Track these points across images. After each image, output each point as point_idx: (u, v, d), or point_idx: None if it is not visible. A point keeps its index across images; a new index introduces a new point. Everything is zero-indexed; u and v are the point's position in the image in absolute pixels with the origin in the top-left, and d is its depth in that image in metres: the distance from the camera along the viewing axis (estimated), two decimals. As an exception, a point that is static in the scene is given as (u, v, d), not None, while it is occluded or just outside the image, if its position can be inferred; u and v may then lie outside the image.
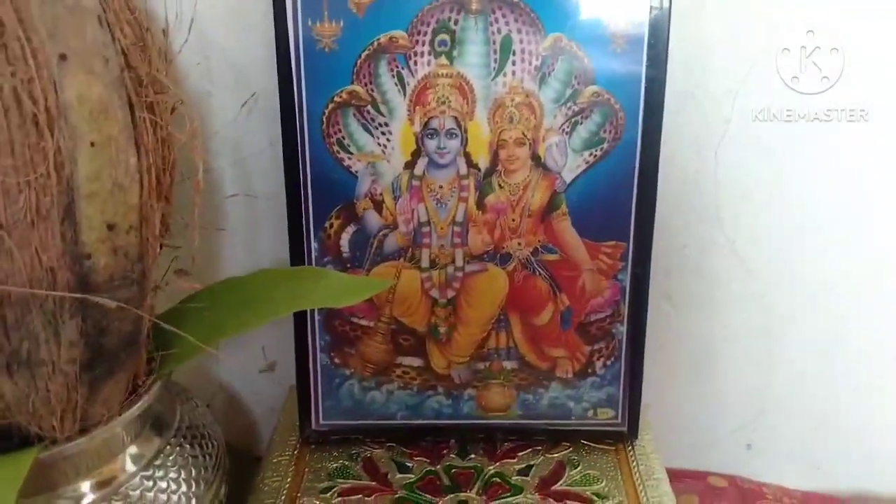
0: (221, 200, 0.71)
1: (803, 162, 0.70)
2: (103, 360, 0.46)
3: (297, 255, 0.63)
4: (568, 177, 0.62)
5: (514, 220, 0.63)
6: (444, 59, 0.59)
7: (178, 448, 0.54)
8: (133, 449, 0.51)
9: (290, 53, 0.58)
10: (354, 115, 0.60)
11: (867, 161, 0.70)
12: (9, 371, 0.42)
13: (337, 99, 0.60)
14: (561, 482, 0.65)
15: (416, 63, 0.59)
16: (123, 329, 0.46)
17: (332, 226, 0.62)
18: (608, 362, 0.66)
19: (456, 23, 0.58)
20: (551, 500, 0.63)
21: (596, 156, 0.61)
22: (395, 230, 0.63)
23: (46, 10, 0.38)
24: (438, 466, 0.67)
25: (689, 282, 0.76)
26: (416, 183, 0.62)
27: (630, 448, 0.68)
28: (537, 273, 0.64)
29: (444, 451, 0.68)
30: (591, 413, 0.68)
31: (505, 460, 0.67)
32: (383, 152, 0.61)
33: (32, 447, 0.45)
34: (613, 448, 0.69)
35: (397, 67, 0.59)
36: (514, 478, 0.65)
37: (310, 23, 0.58)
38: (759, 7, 0.66)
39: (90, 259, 0.42)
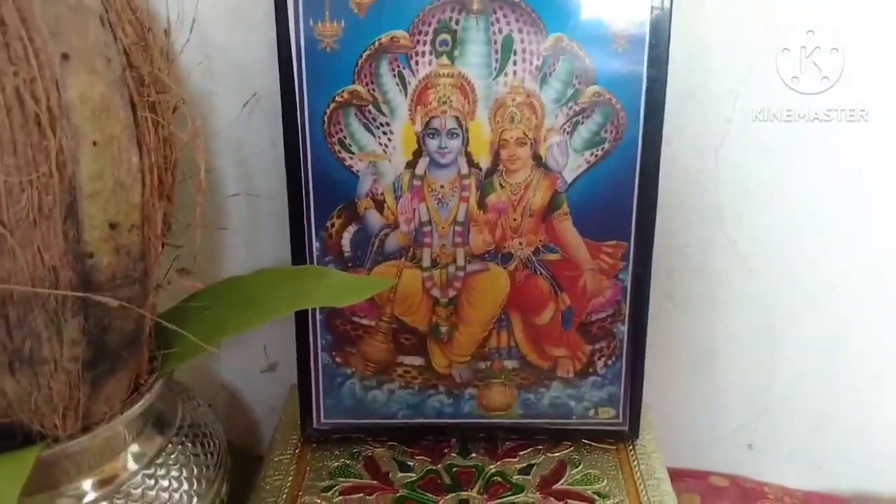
0: (223, 200, 0.71)
1: (803, 162, 0.70)
2: (105, 358, 0.46)
3: (299, 254, 0.63)
4: (569, 176, 0.62)
5: (515, 219, 0.63)
6: (445, 59, 0.59)
7: (179, 447, 0.54)
8: (135, 447, 0.51)
9: (291, 53, 0.58)
10: (356, 114, 0.60)
11: (867, 161, 0.70)
12: (11, 369, 0.42)
13: (338, 99, 0.60)
14: (562, 481, 0.65)
15: (417, 63, 0.59)
16: (125, 328, 0.47)
17: (333, 225, 0.63)
18: (609, 362, 0.66)
19: (457, 23, 0.58)
20: (552, 499, 0.63)
21: (597, 155, 0.61)
22: (397, 230, 0.63)
23: (49, 9, 0.38)
24: (439, 465, 0.67)
25: (690, 281, 0.76)
26: (417, 182, 0.62)
27: (631, 447, 0.69)
28: (538, 273, 0.64)
29: (446, 451, 0.68)
30: (592, 412, 0.68)
31: (506, 459, 0.67)
32: (384, 152, 0.61)
33: (35, 445, 0.45)
34: (614, 447, 0.69)
35: (398, 67, 0.59)
36: (515, 477, 0.65)
37: (311, 23, 0.58)
38: (759, 7, 0.66)
39: (92, 258, 0.42)
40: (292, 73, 0.59)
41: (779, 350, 0.78)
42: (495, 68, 0.59)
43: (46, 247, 0.40)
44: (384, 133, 0.61)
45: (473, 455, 0.68)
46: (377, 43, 0.59)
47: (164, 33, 0.53)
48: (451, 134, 0.61)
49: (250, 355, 0.79)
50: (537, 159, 0.61)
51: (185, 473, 0.53)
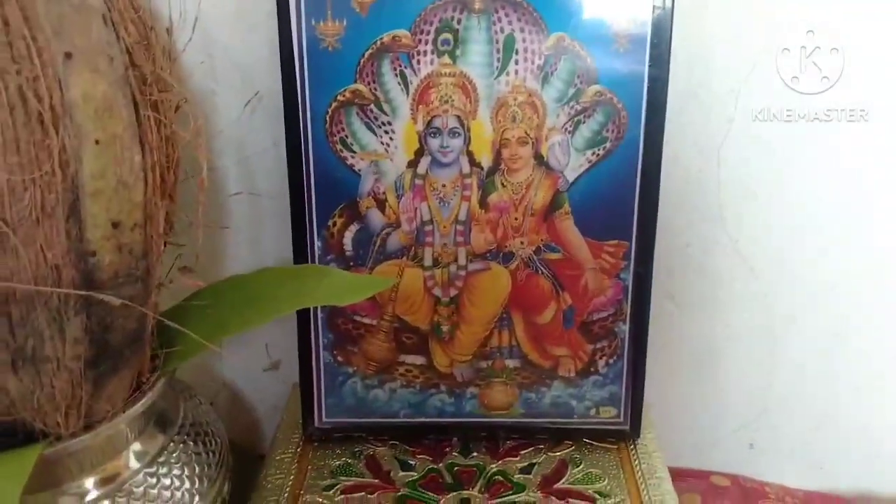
0: (225, 199, 0.71)
1: (804, 162, 0.70)
2: (108, 356, 0.46)
3: (301, 253, 0.63)
4: (570, 176, 0.62)
5: (516, 218, 0.63)
6: (447, 59, 0.59)
7: (181, 445, 0.54)
8: (137, 446, 0.52)
9: (293, 52, 0.58)
10: (357, 113, 0.60)
11: (867, 161, 0.70)
12: (14, 368, 0.43)
13: (340, 98, 0.60)
14: (563, 480, 0.65)
15: (419, 62, 0.59)
16: (128, 326, 0.47)
17: (335, 224, 0.63)
18: (610, 361, 0.66)
19: (459, 22, 0.58)
20: (553, 498, 0.63)
21: (598, 155, 0.61)
22: (398, 229, 0.63)
23: (52, 8, 0.38)
24: (441, 464, 0.67)
25: (691, 281, 0.76)
26: (418, 182, 0.62)
27: (632, 447, 0.69)
28: (540, 272, 0.64)
29: (447, 450, 0.68)
30: (593, 412, 0.68)
31: (507, 458, 0.67)
32: (386, 151, 0.61)
33: (37, 443, 0.45)
34: (616, 447, 0.69)
35: (400, 66, 0.59)
36: (516, 476, 0.65)
37: (313, 22, 0.58)
38: (760, 7, 0.66)
39: (95, 256, 0.42)
40: (294, 72, 0.59)
41: (780, 350, 0.78)
42: (497, 67, 0.59)
43: (49, 245, 0.40)
44: (386, 132, 0.61)
45: (475, 454, 0.68)
46: (379, 42, 0.59)
47: (167, 32, 0.53)
48: (453, 133, 0.61)
49: (252, 354, 0.79)
50: (539, 159, 0.61)
51: (186, 472, 0.53)
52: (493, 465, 0.67)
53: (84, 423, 0.47)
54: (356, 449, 0.68)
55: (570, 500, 0.63)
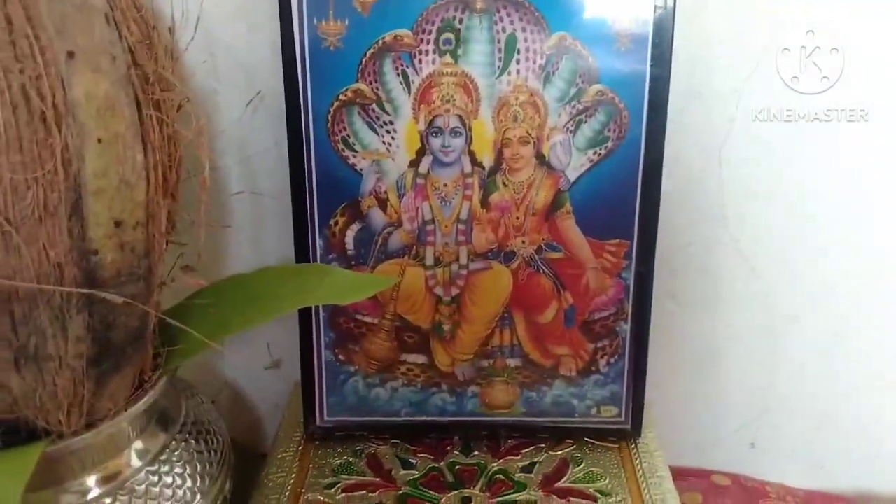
0: (227, 198, 0.72)
1: (804, 162, 0.70)
2: (110, 355, 0.46)
3: (303, 252, 0.63)
4: (572, 175, 0.62)
5: (518, 218, 0.63)
6: (448, 58, 0.59)
7: (183, 443, 0.55)
8: (139, 444, 0.52)
9: (295, 52, 0.58)
10: (359, 113, 0.60)
11: (867, 161, 0.70)
12: (16, 366, 0.43)
13: (342, 97, 0.60)
14: (564, 479, 0.65)
15: (420, 62, 0.59)
16: (130, 325, 0.47)
17: (336, 223, 0.63)
18: (612, 360, 0.66)
19: (461, 21, 0.58)
20: (554, 496, 0.63)
21: (600, 154, 0.61)
22: (400, 228, 0.63)
23: (54, 7, 0.38)
24: (442, 463, 0.67)
25: (693, 280, 0.76)
26: (420, 181, 0.62)
27: (633, 446, 0.69)
28: (541, 271, 0.64)
29: (448, 448, 0.69)
30: (594, 411, 0.68)
31: (508, 457, 0.67)
32: (388, 150, 0.61)
33: (39, 441, 0.45)
34: (617, 446, 0.69)
35: (402, 66, 0.59)
36: (517, 475, 0.65)
37: (315, 21, 0.58)
38: (762, 6, 0.66)
39: (97, 255, 0.42)
40: (296, 71, 0.59)
41: (781, 349, 0.78)
42: (499, 67, 0.59)
43: (51, 244, 0.40)
44: (388, 132, 0.61)
45: (476, 453, 0.68)
46: (381, 42, 0.59)
47: (169, 31, 0.53)
48: (455, 132, 0.61)
49: (254, 353, 0.79)
50: (540, 158, 0.61)
51: (188, 470, 0.53)
52: (495, 464, 0.67)
53: (86, 422, 0.47)
54: (357, 447, 0.68)
55: (572, 498, 0.63)
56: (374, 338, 0.66)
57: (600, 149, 0.61)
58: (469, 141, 0.61)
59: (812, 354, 0.78)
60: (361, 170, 0.62)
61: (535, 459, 0.67)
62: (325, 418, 0.68)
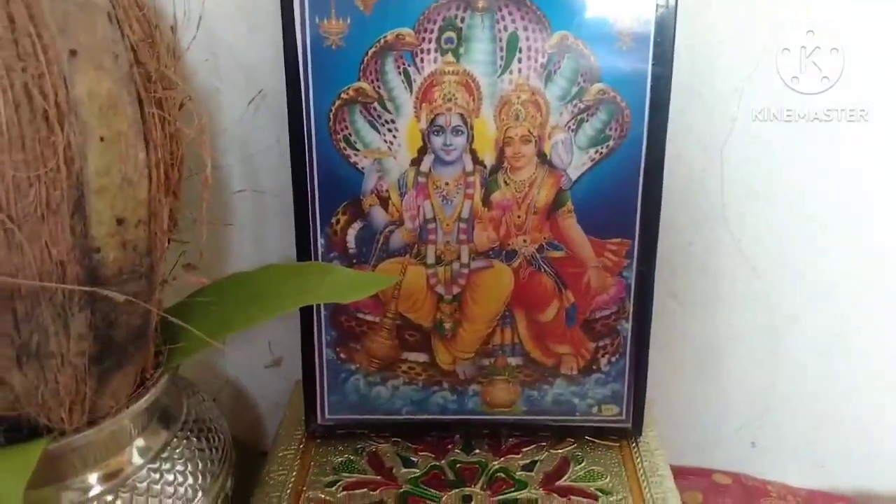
0: (229, 196, 0.72)
1: (804, 162, 0.70)
2: (112, 352, 0.46)
3: (304, 250, 0.63)
4: (573, 174, 0.62)
5: (519, 216, 0.63)
6: (450, 57, 0.59)
7: (184, 441, 0.55)
8: (140, 441, 0.52)
9: (297, 51, 0.58)
10: (361, 111, 0.60)
11: (867, 161, 0.70)
12: (19, 363, 0.43)
13: (344, 96, 0.60)
14: (565, 478, 0.65)
15: (422, 60, 0.59)
16: (132, 322, 0.47)
17: (338, 222, 0.63)
18: (613, 359, 0.67)
19: (462, 20, 0.58)
20: (555, 495, 0.63)
21: (602, 153, 0.61)
22: (401, 226, 0.63)
23: (57, 6, 0.39)
24: (443, 461, 0.67)
25: (694, 280, 0.76)
26: (422, 179, 0.62)
27: (634, 445, 0.69)
28: (543, 270, 0.64)
29: (449, 446, 0.69)
30: (595, 409, 0.68)
31: (509, 456, 0.68)
32: (389, 149, 0.61)
33: (41, 439, 0.45)
34: (618, 444, 0.69)
35: (404, 65, 0.59)
36: (518, 473, 0.66)
37: (317, 20, 0.58)
38: (762, 6, 0.66)
39: (99, 253, 0.43)
40: (298, 70, 0.59)
41: (782, 349, 0.78)
42: (500, 66, 0.59)
43: (54, 242, 0.40)
44: (389, 130, 0.61)
45: (477, 451, 0.68)
46: (382, 40, 0.59)
47: (171, 30, 0.53)
48: (456, 131, 0.61)
49: (255, 351, 0.80)
50: (542, 157, 0.61)
51: (189, 468, 0.53)
52: (496, 463, 0.67)
53: (88, 419, 0.47)
54: (358, 446, 0.68)
55: (572, 497, 0.63)
56: (376, 336, 0.66)
57: (602, 148, 0.61)
58: (470, 139, 0.61)
59: (813, 354, 0.78)
60: (363, 168, 0.62)
61: (536, 458, 0.67)
62: (327, 416, 0.68)
